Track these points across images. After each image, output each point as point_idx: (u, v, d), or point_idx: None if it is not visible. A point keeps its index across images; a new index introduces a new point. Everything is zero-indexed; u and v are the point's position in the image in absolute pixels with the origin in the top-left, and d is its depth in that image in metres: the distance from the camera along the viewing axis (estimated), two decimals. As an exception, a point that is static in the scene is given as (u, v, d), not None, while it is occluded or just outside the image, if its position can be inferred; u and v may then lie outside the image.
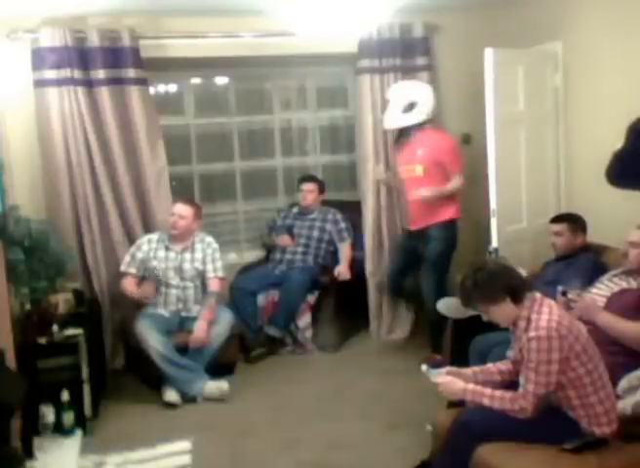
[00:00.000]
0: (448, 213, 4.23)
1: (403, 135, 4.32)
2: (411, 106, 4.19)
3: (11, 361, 2.95)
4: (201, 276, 4.20)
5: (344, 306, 4.85)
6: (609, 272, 3.25)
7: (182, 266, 4.16)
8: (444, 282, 4.24)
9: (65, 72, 4.18)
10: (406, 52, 4.75)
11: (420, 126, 4.22)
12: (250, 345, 4.58)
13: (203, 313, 4.08)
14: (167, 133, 4.71)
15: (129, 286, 4.15)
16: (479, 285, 2.48)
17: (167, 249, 4.18)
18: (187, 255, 4.19)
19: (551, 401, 2.47)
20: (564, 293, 3.01)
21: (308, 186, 4.82)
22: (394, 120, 4.28)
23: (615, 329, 2.81)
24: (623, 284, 3.08)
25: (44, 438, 3.43)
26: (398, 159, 4.42)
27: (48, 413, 3.48)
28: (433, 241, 4.22)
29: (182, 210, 4.16)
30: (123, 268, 4.18)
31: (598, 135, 4.06)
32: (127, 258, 4.19)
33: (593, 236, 3.68)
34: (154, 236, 4.25)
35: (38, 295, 3.66)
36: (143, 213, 4.51)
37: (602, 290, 3.11)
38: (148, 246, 4.20)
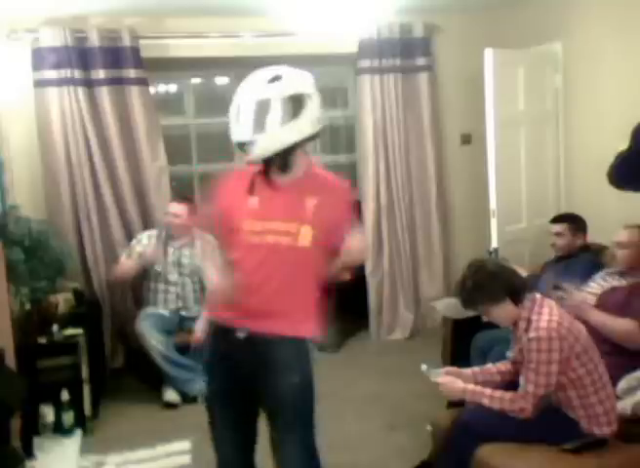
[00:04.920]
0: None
1: (272, 164, 2.14)
2: (298, 105, 2.11)
3: (11, 361, 2.95)
4: (200, 273, 4.20)
5: (344, 306, 4.85)
6: (603, 270, 3.25)
7: (181, 261, 4.16)
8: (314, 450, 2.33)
9: (66, 72, 4.19)
10: (406, 52, 4.76)
11: (300, 147, 2.14)
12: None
13: (204, 312, 4.08)
14: (167, 133, 4.70)
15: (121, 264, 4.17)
16: (479, 285, 2.48)
17: (166, 244, 4.19)
18: (187, 251, 4.19)
19: (551, 401, 2.47)
20: (556, 287, 2.98)
21: None
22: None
23: (605, 326, 2.81)
24: (615, 282, 3.08)
25: (44, 438, 3.43)
26: (254, 208, 2.17)
27: (48, 413, 3.48)
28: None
29: (177, 209, 4.15)
30: (122, 260, 4.20)
31: (598, 135, 4.06)
32: (126, 251, 4.20)
33: (593, 236, 3.68)
34: (153, 232, 4.25)
35: (38, 295, 3.66)
36: (143, 212, 4.52)
37: (594, 288, 3.12)
38: (148, 240, 4.20)
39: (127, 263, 4.14)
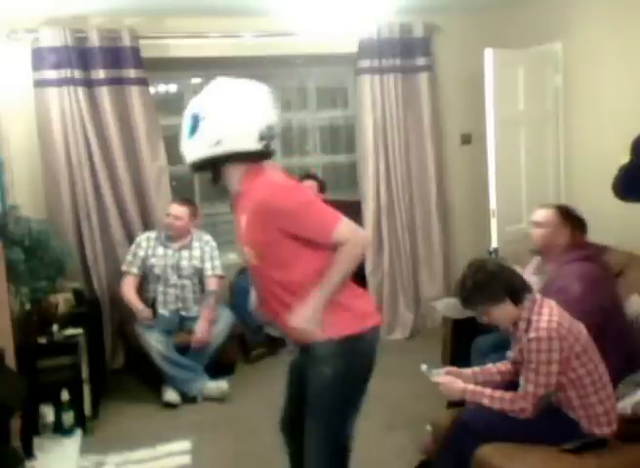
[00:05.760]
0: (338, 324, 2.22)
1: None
2: (195, 125, 2.14)
3: (11, 361, 2.95)
4: (199, 274, 4.19)
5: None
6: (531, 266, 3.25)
7: (180, 264, 4.15)
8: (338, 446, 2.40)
9: (66, 72, 4.19)
10: (406, 52, 4.76)
11: (226, 162, 2.16)
12: (250, 345, 4.58)
13: (203, 313, 4.08)
14: (167, 133, 4.70)
15: (130, 293, 4.09)
16: (479, 285, 2.48)
17: (165, 246, 4.18)
18: (185, 253, 4.18)
19: (551, 401, 2.47)
20: None
21: (307, 184, 4.82)
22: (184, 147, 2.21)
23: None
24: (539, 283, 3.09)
25: (44, 438, 3.44)
26: None
27: (48, 413, 3.48)
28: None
29: (178, 211, 4.13)
30: (125, 268, 4.17)
31: (598, 135, 4.07)
32: (128, 258, 4.18)
33: (593, 236, 3.67)
34: (152, 234, 4.25)
35: (38, 295, 3.66)
36: (143, 212, 4.51)
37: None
38: (147, 243, 4.19)
39: (136, 301, 4.07)
